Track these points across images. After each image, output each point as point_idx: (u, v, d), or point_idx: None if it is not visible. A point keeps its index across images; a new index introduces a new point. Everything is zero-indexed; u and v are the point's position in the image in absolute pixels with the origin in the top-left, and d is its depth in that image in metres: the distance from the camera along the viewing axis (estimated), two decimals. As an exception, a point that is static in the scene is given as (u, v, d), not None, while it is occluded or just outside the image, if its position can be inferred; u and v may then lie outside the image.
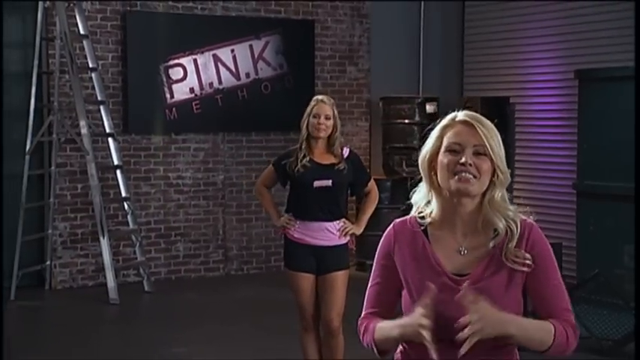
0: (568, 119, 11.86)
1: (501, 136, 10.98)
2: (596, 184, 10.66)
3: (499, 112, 12.61)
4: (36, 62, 11.16)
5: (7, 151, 11.29)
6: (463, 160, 3.08)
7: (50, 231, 11.38)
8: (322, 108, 6.80)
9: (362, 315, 3.37)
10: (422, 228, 3.23)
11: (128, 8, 11.81)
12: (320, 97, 7.06)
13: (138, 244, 11.57)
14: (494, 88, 13.10)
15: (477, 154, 3.11)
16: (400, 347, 3.33)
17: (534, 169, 12.67)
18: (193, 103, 12.20)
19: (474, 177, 3.11)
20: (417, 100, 13.04)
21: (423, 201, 3.25)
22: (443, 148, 3.16)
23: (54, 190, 11.41)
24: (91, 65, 11.23)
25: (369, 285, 3.37)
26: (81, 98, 11.09)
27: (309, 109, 6.88)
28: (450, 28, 13.83)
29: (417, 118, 12.86)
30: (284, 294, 10.48)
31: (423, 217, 3.23)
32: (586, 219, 10.75)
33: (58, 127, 11.32)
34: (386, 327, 3.22)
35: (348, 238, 6.81)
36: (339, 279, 6.72)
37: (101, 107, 11.33)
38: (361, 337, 3.35)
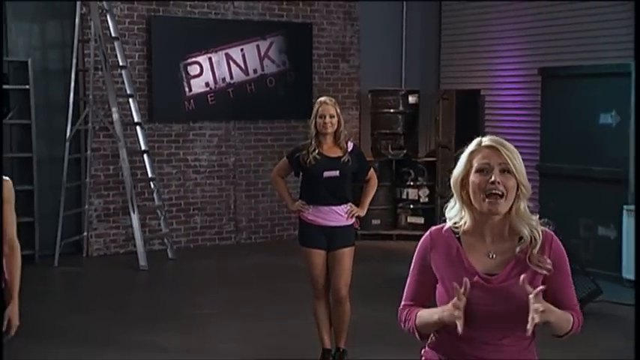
0: (531, 109, 11.93)
1: (472, 124, 11.12)
2: (556, 166, 10.74)
3: (471, 102, 12.72)
4: (74, 61, 11.16)
5: (50, 139, 11.42)
6: (493, 179, 3.09)
7: (87, 206, 11.42)
8: (326, 109, 6.75)
9: (402, 305, 3.37)
10: (456, 236, 3.23)
11: (152, 13, 11.80)
12: (323, 98, 7.00)
13: (162, 218, 11.63)
14: (467, 82, 13.12)
15: (502, 172, 3.11)
16: (432, 337, 3.35)
17: None
18: (208, 96, 12.21)
19: (502, 195, 3.11)
20: (401, 92, 13.10)
21: (457, 216, 3.24)
22: (473, 170, 3.17)
23: (89, 171, 11.42)
24: (121, 63, 11.24)
25: (408, 279, 3.38)
26: (112, 92, 11.09)
27: (314, 111, 6.84)
28: (428, 29, 13.78)
29: (400, 108, 12.94)
30: (288, 260, 10.62)
31: (457, 227, 3.23)
32: (547, 196, 10.74)
33: (93, 117, 11.30)
34: (425, 314, 3.24)
35: (353, 219, 6.82)
36: (346, 254, 6.75)
37: (130, 100, 11.33)
38: (402, 324, 3.35)
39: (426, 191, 12.88)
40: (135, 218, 10.97)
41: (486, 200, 3.10)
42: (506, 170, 3.10)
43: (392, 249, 12.11)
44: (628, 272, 9.63)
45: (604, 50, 11.09)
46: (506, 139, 10.89)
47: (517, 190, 3.12)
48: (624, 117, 10.01)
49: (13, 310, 4.75)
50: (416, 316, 3.25)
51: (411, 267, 3.37)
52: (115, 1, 11.44)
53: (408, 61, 13.73)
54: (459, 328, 3.04)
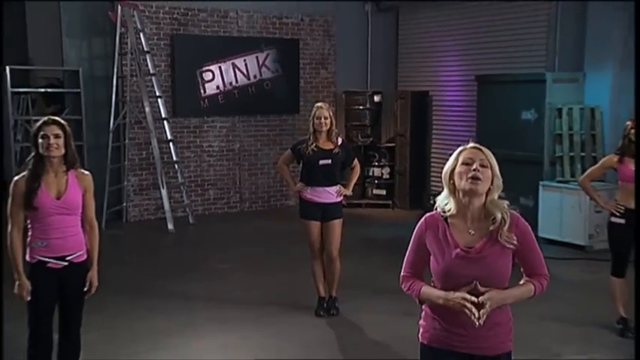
0: (469, 107, 11.94)
1: (423, 118, 12.22)
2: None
3: (422, 101, 12.83)
4: (115, 70, 11.16)
5: (97, 131, 11.40)
6: (474, 167, 3.15)
7: (125, 183, 11.44)
8: (321, 112, 6.74)
9: (402, 272, 3.38)
10: (443, 218, 3.26)
11: (175, 32, 11.77)
12: (319, 104, 6.95)
13: (184, 192, 11.67)
14: (418, 85, 13.11)
15: (481, 166, 3.16)
16: (424, 311, 3.39)
17: (445, 140, 12.66)
18: (219, 96, 12.18)
19: (480, 180, 3.14)
20: (368, 93, 13.12)
21: (444, 202, 3.28)
22: (459, 163, 3.20)
23: (127, 155, 11.44)
24: (151, 71, 11.26)
25: (407, 253, 3.39)
26: (145, 94, 11.11)
27: (312, 113, 6.81)
28: (388, 45, 13.75)
29: (368, 105, 12.99)
30: (283, 225, 10.71)
31: (444, 212, 3.26)
32: None
33: (130, 113, 11.32)
34: (430, 294, 3.25)
35: (342, 197, 6.85)
36: (337, 225, 6.81)
37: (158, 100, 11.34)
38: (405, 289, 3.37)
39: (387, 170, 12.95)
40: (163, 192, 11.03)
41: (469, 180, 3.14)
42: (484, 165, 3.17)
43: (362, 215, 12.16)
44: (543, 232, 9.79)
45: (525, 62, 11.14)
46: (449, 131, 10.98)
47: (492, 182, 3.17)
48: (540, 114, 10.14)
49: (93, 274, 4.86)
50: (420, 290, 3.28)
51: (410, 244, 3.39)
52: (148, 4, 11.41)
53: (372, 68, 13.71)
54: (475, 322, 3.08)
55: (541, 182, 10.01)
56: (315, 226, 6.79)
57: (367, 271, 8.36)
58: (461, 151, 3.26)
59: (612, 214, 6.39)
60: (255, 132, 12.69)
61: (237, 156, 12.56)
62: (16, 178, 4.69)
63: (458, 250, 3.19)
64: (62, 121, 4.81)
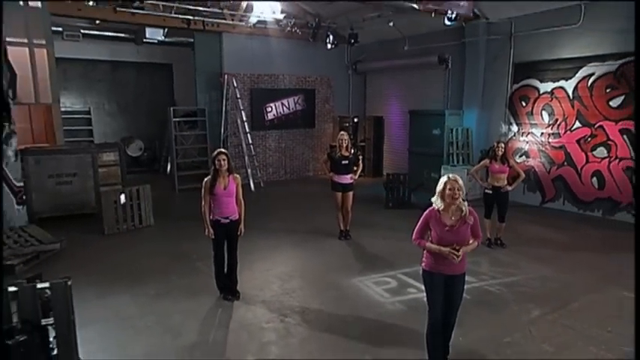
0: (404, 126, 11.79)
1: (378, 134, 10.92)
2: (416, 150, 10.69)
3: (379, 122, 12.64)
4: (223, 107, 11.04)
5: (214, 139, 11.14)
6: (454, 192, 3.23)
7: (228, 166, 11.48)
8: (342, 137, 6.68)
9: (414, 236, 3.36)
10: (437, 210, 3.31)
11: (252, 87, 11.63)
12: (342, 132, 6.77)
13: (258, 169, 11.56)
14: (377, 113, 12.95)
15: (457, 190, 3.24)
16: (426, 253, 3.42)
17: (392, 143, 12.61)
18: (274, 120, 12.06)
19: (457, 199, 3.22)
20: (351, 116, 12.91)
21: (437, 203, 3.30)
22: (447, 188, 3.24)
23: (229, 151, 11.09)
24: (241, 108, 11.13)
25: (417, 227, 3.31)
26: (238, 119, 11.07)
27: (338, 137, 6.69)
28: (360, 91, 13.56)
29: (351, 123, 12.74)
30: (310, 187, 10.47)
31: (437, 208, 3.30)
32: (413, 162, 10.71)
33: (230, 129, 11.21)
34: (431, 247, 3.30)
35: (353, 180, 6.79)
36: (350, 194, 6.81)
37: (245, 122, 11.25)
38: (416, 244, 3.31)
39: (361, 157, 12.57)
40: (249, 171, 11.03)
41: (451, 198, 3.24)
42: (458, 189, 3.31)
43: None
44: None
45: (434, 103, 11.10)
46: (394, 139, 10.68)
47: (461, 195, 3.26)
48: (442, 131, 10.09)
49: (242, 226, 4.99)
50: (425, 245, 3.39)
51: (419, 222, 3.40)
52: (238, 73, 11.24)
53: (353, 104, 13.51)
54: (456, 260, 3.09)
55: (442, 165, 9.99)
56: (339, 195, 6.80)
57: (357, 214, 7.69)
58: (446, 181, 3.31)
59: (486, 189, 6.65)
60: (293, 138, 12.60)
61: (283, 150, 12.47)
62: (205, 179, 4.87)
63: (446, 227, 3.33)
64: (225, 151, 5.03)
